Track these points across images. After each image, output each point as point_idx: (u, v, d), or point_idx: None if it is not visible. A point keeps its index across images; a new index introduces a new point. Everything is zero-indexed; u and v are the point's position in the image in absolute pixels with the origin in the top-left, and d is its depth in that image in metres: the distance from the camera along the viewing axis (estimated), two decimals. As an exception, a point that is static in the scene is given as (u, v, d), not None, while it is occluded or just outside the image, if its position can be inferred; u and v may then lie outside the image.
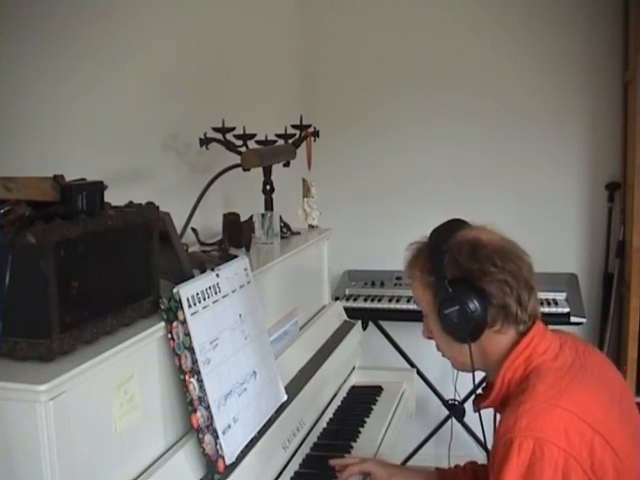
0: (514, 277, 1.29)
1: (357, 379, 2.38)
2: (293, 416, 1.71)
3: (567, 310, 2.92)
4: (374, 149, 3.55)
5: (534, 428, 1.15)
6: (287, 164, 2.24)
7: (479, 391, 1.45)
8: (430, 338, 1.44)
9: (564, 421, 1.16)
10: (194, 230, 1.92)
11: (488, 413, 1.40)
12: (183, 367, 1.30)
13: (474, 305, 1.29)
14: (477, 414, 1.41)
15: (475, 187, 3.37)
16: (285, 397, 1.68)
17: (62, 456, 0.99)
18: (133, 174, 1.98)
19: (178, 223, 1.51)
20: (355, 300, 3.20)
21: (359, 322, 2.49)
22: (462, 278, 1.30)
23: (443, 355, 1.44)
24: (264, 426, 1.55)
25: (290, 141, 2.35)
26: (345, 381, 2.28)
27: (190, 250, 1.75)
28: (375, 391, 2.28)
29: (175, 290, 1.32)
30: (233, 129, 2.20)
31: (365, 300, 3.20)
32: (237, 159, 1.91)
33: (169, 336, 1.28)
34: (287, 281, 2.00)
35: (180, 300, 1.32)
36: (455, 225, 1.39)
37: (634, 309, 2.98)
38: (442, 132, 3.45)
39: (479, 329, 1.31)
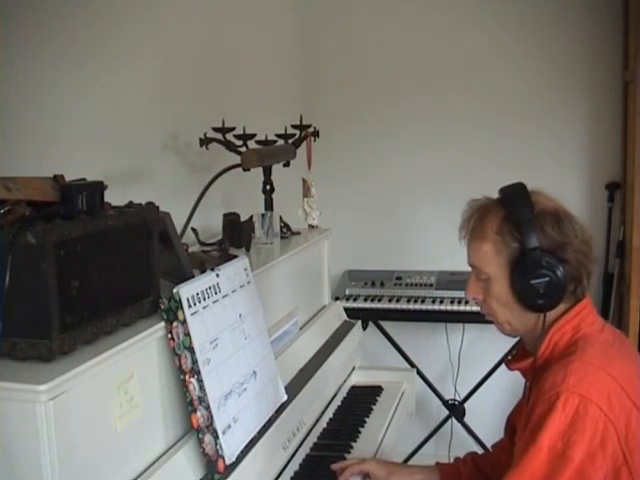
0: (589, 249, 1.33)
1: (357, 379, 2.38)
2: (293, 416, 1.71)
3: (567, 310, 2.92)
4: (374, 149, 3.55)
5: (581, 386, 1.18)
6: (287, 164, 2.24)
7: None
8: (474, 299, 1.42)
9: (609, 387, 1.19)
10: (194, 230, 1.92)
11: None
12: (183, 367, 1.30)
13: (563, 277, 1.29)
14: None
15: (475, 187, 3.32)
16: (285, 397, 1.68)
17: (62, 456, 0.99)
18: (133, 174, 1.98)
19: (178, 223, 1.51)
20: (355, 300, 3.20)
21: (359, 322, 2.49)
22: (549, 249, 1.30)
23: (489, 317, 1.42)
24: (264, 426, 1.55)
25: (290, 141, 2.35)
26: (345, 381, 2.28)
27: (190, 250, 1.75)
28: (375, 391, 2.28)
29: (175, 290, 1.32)
30: (233, 129, 2.20)
31: (365, 300, 3.20)
32: (237, 159, 1.91)
33: (169, 336, 1.28)
34: (287, 281, 2.00)
35: (180, 300, 1.32)
36: (526, 189, 1.37)
37: (634, 309, 2.98)
38: (442, 132, 3.45)
39: (559, 300, 1.32)
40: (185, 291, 1.34)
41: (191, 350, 1.33)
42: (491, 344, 3.08)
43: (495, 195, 1.42)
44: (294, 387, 1.78)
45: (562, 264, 1.30)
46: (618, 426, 1.17)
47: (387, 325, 3.30)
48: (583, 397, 1.17)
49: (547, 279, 1.29)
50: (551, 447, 1.17)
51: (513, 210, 1.33)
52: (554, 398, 1.18)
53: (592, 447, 1.16)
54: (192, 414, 1.30)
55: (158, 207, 1.33)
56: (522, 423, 1.29)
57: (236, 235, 1.98)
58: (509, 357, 1.50)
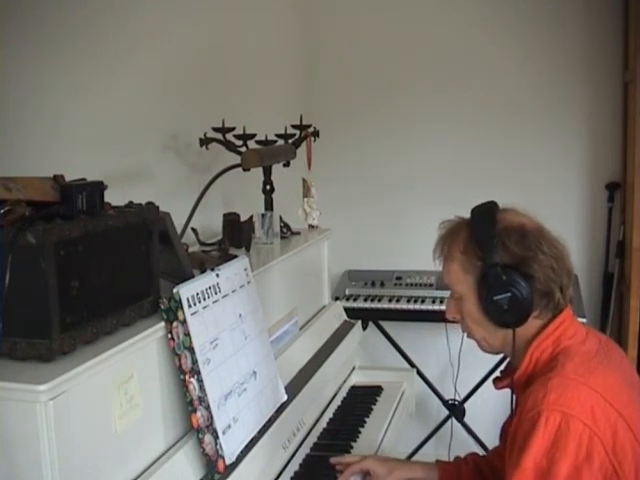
0: (558, 263, 1.32)
1: (357, 379, 2.38)
2: (293, 416, 1.71)
3: (567, 310, 2.92)
4: (374, 149, 3.55)
5: (562, 403, 1.17)
6: (287, 164, 2.24)
7: (497, 374, 1.49)
8: (454, 320, 1.44)
9: (591, 400, 1.18)
10: (194, 230, 1.92)
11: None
12: (183, 367, 1.30)
13: (526, 292, 1.30)
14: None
15: (475, 187, 3.34)
16: (285, 397, 1.68)
17: (62, 456, 0.99)
18: (133, 174, 1.98)
19: (178, 223, 1.51)
20: (355, 300, 3.20)
21: (359, 322, 2.49)
22: (511, 264, 1.31)
23: (469, 336, 1.44)
24: (264, 426, 1.55)
25: (290, 141, 2.35)
26: (345, 381, 2.28)
27: (190, 250, 1.75)
28: (375, 391, 2.28)
29: (175, 290, 1.32)
30: (233, 129, 2.20)
31: (365, 300, 3.20)
32: (237, 159, 1.91)
33: (169, 336, 1.28)
34: (287, 281, 2.00)
35: (180, 300, 1.32)
36: (494, 208, 1.40)
37: (634, 309, 2.98)
38: (442, 132, 3.45)
39: (526, 315, 1.32)
40: (185, 291, 1.34)
41: (191, 350, 1.33)
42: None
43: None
44: (294, 387, 1.78)
45: (527, 279, 1.30)
46: (604, 438, 1.16)
47: (387, 325, 3.30)
48: (565, 413, 1.16)
49: (509, 294, 1.30)
50: (537, 466, 1.17)
51: (476, 229, 1.36)
52: (536, 417, 1.18)
53: (577, 462, 1.15)
54: (192, 414, 1.30)
55: (158, 207, 1.33)
56: (509, 441, 1.28)
57: (236, 235, 1.98)
58: (498, 375, 1.50)
